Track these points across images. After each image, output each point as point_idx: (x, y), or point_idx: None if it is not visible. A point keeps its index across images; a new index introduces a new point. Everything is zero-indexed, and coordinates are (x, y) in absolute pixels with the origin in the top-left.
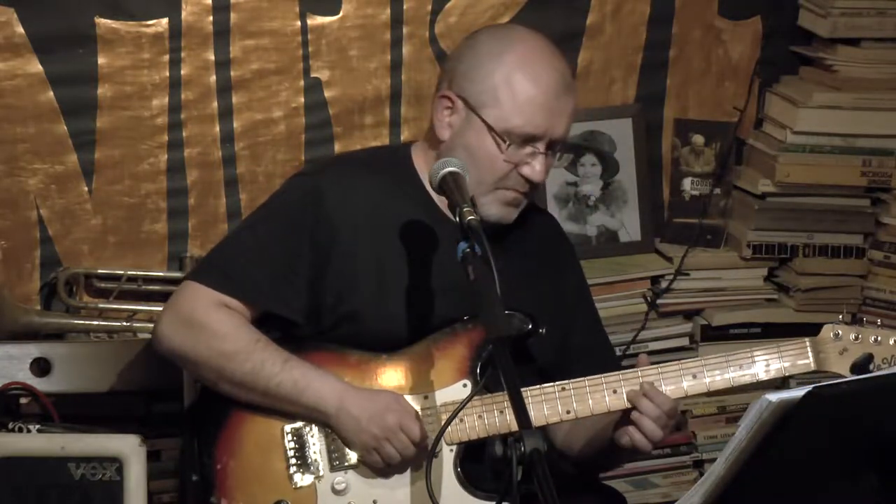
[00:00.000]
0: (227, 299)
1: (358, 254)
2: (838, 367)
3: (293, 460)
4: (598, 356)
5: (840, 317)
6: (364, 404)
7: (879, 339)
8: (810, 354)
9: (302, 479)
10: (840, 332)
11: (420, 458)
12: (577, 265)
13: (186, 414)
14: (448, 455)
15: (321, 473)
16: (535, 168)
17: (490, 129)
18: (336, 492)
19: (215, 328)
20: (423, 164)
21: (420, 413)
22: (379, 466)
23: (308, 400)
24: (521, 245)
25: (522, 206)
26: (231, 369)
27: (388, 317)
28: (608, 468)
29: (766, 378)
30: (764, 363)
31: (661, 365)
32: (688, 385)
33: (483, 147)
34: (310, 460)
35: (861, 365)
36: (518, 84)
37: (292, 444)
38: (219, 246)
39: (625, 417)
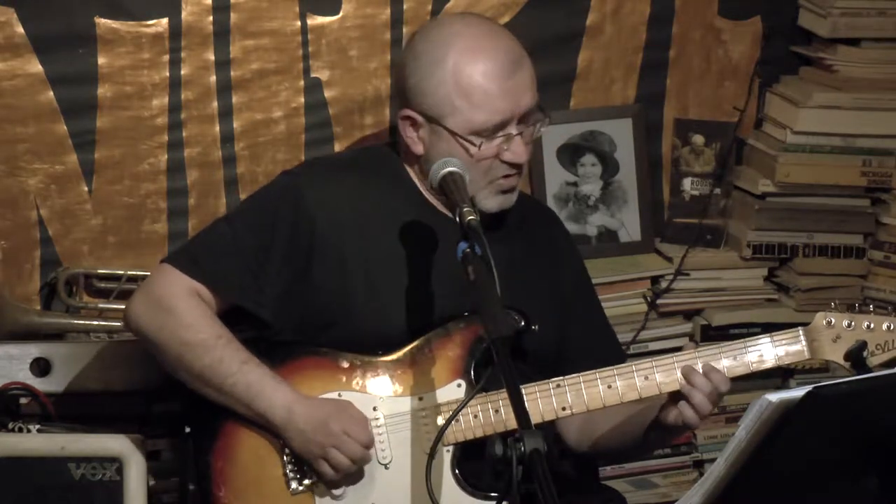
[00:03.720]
0: (198, 286)
1: (347, 254)
2: (832, 355)
3: (290, 467)
4: (600, 348)
5: (833, 304)
6: (309, 415)
7: (872, 325)
8: (804, 342)
9: (299, 486)
10: (833, 319)
11: (419, 454)
12: (577, 258)
13: (182, 420)
14: (445, 456)
15: (318, 480)
16: (515, 151)
17: (456, 135)
18: (334, 497)
19: (181, 316)
20: (410, 168)
21: (411, 414)
22: (329, 476)
23: (258, 407)
24: (517, 238)
25: (518, 185)
26: (189, 359)
27: (381, 316)
28: (633, 456)
29: (760, 368)
30: (757, 352)
31: (655, 357)
32: (682, 377)
33: (457, 153)
34: (307, 467)
35: (855, 353)
36: (467, 83)
37: (289, 451)
38: (198, 234)
39: (673, 396)
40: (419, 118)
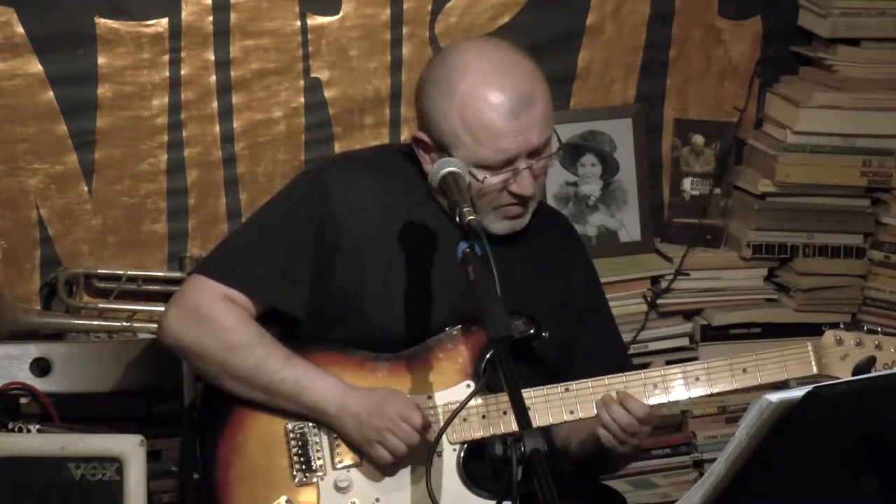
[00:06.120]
0: (232, 292)
1: (366, 252)
2: (840, 372)
3: (296, 458)
4: (608, 358)
5: (841, 324)
6: (363, 401)
7: (881, 343)
8: (812, 359)
9: (305, 477)
10: (842, 336)
11: (424, 450)
12: (589, 265)
13: (189, 412)
14: (451, 455)
15: (324, 471)
16: (521, 184)
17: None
18: (339, 489)
19: (221, 321)
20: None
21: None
22: (385, 461)
23: (309, 398)
24: (529, 247)
25: (531, 210)
26: (234, 363)
27: (394, 316)
28: (604, 471)
29: (768, 382)
30: (767, 368)
31: (664, 368)
32: (691, 389)
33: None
34: (313, 458)
35: (864, 367)
36: (473, 120)
37: (296, 442)
38: (225, 241)
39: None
40: (430, 141)
